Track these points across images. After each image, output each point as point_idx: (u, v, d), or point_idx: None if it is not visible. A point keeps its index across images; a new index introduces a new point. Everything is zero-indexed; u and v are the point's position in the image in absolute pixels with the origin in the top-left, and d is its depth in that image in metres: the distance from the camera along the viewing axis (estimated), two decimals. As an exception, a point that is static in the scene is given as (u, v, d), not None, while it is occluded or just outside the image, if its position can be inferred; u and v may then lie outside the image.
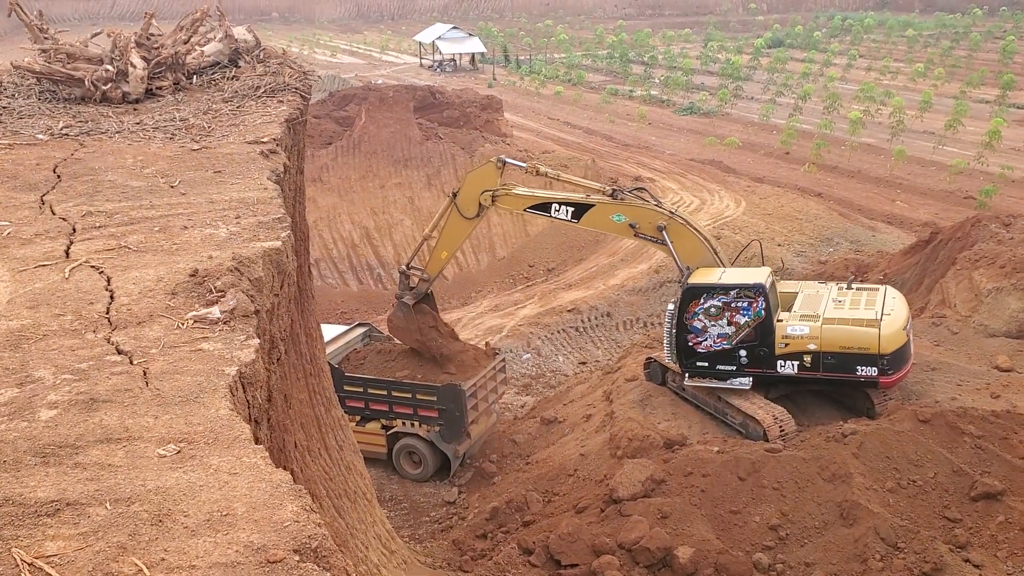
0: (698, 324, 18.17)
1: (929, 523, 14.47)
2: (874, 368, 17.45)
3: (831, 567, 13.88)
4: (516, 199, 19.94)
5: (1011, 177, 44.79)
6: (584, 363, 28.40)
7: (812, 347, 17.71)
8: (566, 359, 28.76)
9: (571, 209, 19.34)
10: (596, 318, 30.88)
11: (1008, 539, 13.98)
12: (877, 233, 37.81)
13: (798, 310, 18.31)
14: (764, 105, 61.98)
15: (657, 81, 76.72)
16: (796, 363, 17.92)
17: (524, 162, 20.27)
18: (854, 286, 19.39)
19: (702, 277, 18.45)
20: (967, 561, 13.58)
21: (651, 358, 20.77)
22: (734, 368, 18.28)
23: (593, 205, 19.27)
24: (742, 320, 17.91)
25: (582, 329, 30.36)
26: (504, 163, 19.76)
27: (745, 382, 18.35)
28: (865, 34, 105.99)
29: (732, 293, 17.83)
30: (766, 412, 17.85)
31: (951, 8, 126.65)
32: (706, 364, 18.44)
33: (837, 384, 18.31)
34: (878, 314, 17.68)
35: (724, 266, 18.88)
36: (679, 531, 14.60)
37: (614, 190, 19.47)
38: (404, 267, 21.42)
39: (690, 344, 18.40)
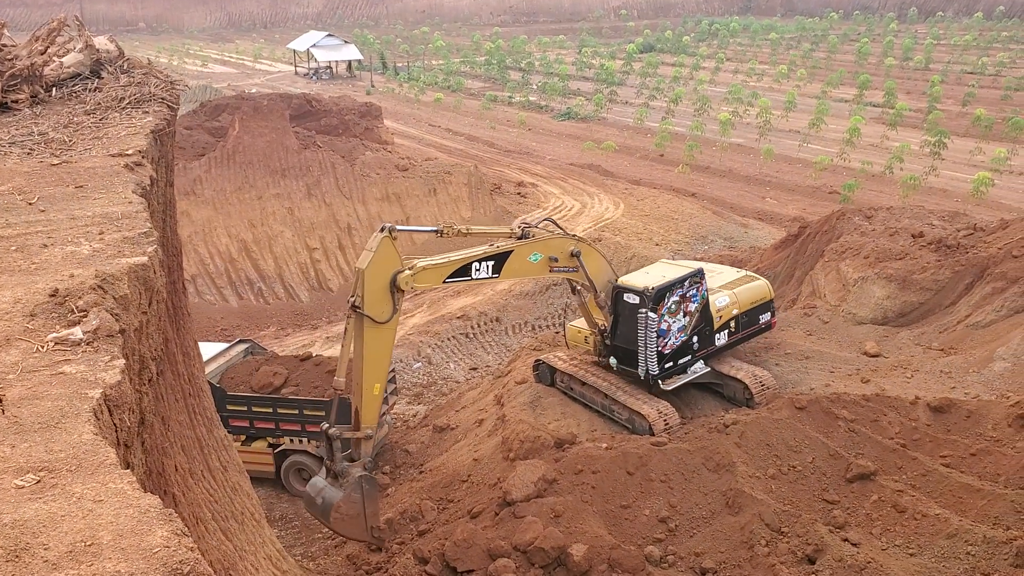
0: (664, 326, 18.21)
1: (809, 506, 15.07)
2: (768, 313, 20.01)
3: (720, 555, 14.27)
4: (433, 272, 16.02)
5: (871, 172, 47.27)
6: (475, 369, 28.40)
7: (736, 312, 19.31)
8: (457, 366, 28.70)
9: (491, 264, 16.93)
10: (485, 323, 30.94)
11: (881, 516, 14.69)
12: (749, 229, 39.24)
13: None
14: (638, 109, 63.51)
15: (535, 87, 77.64)
16: (726, 331, 19.34)
17: (434, 226, 16.70)
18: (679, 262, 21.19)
19: (642, 281, 18.45)
20: (846, 540, 14.20)
21: (540, 360, 20.93)
22: (690, 357, 18.86)
23: (511, 251, 17.03)
24: (692, 307, 18.52)
25: (472, 335, 30.36)
26: (391, 230, 14.87)
27: (701, 367, 19.14)
28: (731, 38, 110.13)
29: (686, 283, 18.31)
30: (651, 407, 18.22)
31: (809, 12, 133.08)
32: (671, 363, 18.60)
33: (750, 339, 20.04)
34: (747, 271, 20.01)
35: (618, 275, 19.14)
36: (572, 529, 14.74)
37: (523, 229, 17.90)
38: (327, 427, 14.73)
39: (659, 349, 18.29)
